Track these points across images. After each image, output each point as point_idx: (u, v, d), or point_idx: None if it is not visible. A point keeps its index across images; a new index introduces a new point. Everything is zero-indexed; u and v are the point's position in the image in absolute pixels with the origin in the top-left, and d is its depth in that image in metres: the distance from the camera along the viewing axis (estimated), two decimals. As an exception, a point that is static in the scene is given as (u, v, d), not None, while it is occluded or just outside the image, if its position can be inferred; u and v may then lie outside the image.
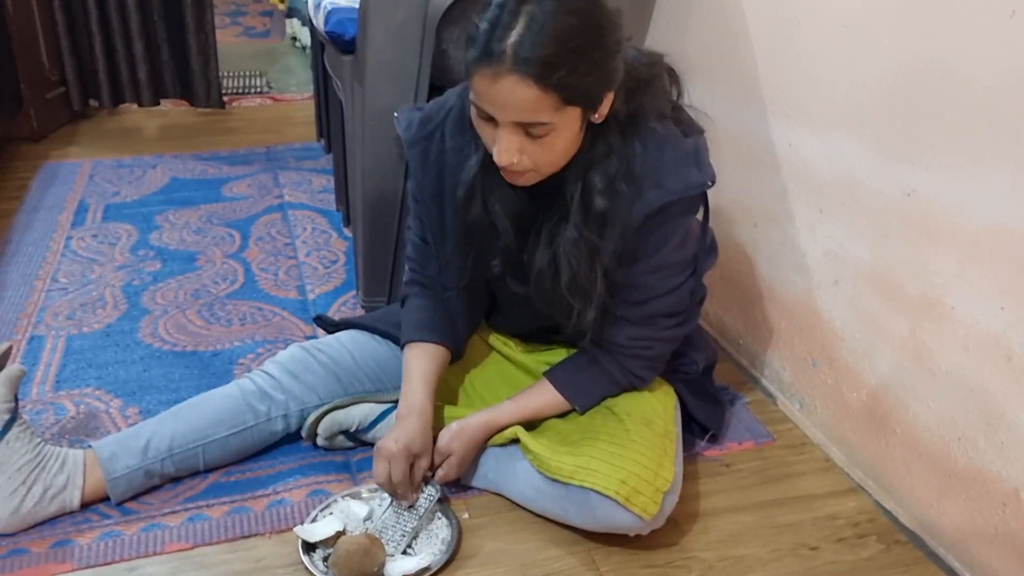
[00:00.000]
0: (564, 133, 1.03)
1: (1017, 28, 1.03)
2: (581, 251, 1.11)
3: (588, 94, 1.02)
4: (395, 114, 1.30)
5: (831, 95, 1.36)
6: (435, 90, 1.58)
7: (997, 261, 1.09)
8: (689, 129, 1.16)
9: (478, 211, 1.17)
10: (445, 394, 1.38)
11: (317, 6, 1.90)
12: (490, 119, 1.03)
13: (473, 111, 1.06)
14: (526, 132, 1.02)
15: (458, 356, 1.37)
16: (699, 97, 1.22)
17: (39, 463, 1.19)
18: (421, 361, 1.28)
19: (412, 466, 1.20)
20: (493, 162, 1.12)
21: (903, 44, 1.20)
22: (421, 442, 1.20)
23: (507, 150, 1.03)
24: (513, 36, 0.96)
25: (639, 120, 1.11)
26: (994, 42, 1.06)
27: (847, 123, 1.33)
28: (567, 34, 0.96)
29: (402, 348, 1.32)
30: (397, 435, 1.20)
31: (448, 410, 1.34)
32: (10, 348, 1.23)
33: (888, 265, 1.28)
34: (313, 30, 2.43)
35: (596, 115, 1.06)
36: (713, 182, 1.14)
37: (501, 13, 0.97)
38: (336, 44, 1.75)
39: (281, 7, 4.72)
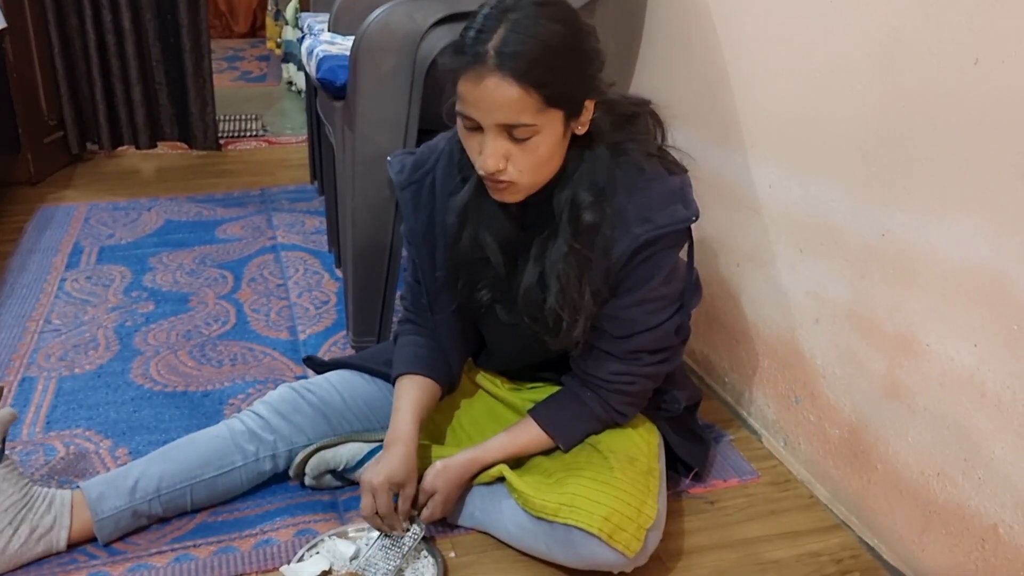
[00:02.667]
0: (548, 137, 1.06)
1: (981, 74, 1.06)
2: (571, 264, 1.14)
3: (569, 96, 1.06)
4: (388, 159, 1.34)
5: (809, 140, 1.40)
6: (424, 135, 1.62)
7: (969, 300, 1.12)
8: (674, 168, 1.20)
9: (468, 241, 1.20)
10: (432, 432, 1.40)
11: (310, 53, 1.95)
12: (476, 128, 1.07)
13: (460, 124, 1.09)
14: (510, 136, 1.05)
15: (451, 390, 1.39)
16: (682, 141, 1.26)
17: (26, 503, 1.20)
18: (410, 392, 1.30)
19: (399, 497, 1.21)
20: (483, 190, 1.16)
21: (876, 91, 1.24)
22: (403, 471, 1.21)
23: (492, 155, 1.06)
24: (495, 39, 1.01)
25: (626, 150, 1.15)
26: (960, 88, 1.10)
27: (824, 166, 1.37)
28: (547, 36, 1.02)
29: (393, 382, 1.33)
30: (381, 466, 1.21)
31: (435, 449, 1.35)
32: (1, 389, 1.25)
33: (866, 304, 1.31)
34: (307, 75, 2.48)
35: (579, 125, 1.10)
36: (697, 217, 1.18)
37: (485, 20, 1.04)
38: (327, 90, 1.79)
39: (277, 52, 4.80)
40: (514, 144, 1.06)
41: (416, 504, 1.25)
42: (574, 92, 1.07)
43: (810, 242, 1.42)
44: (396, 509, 1.22)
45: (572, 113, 1.08)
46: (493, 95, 1.02)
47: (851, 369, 1.35)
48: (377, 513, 1.20)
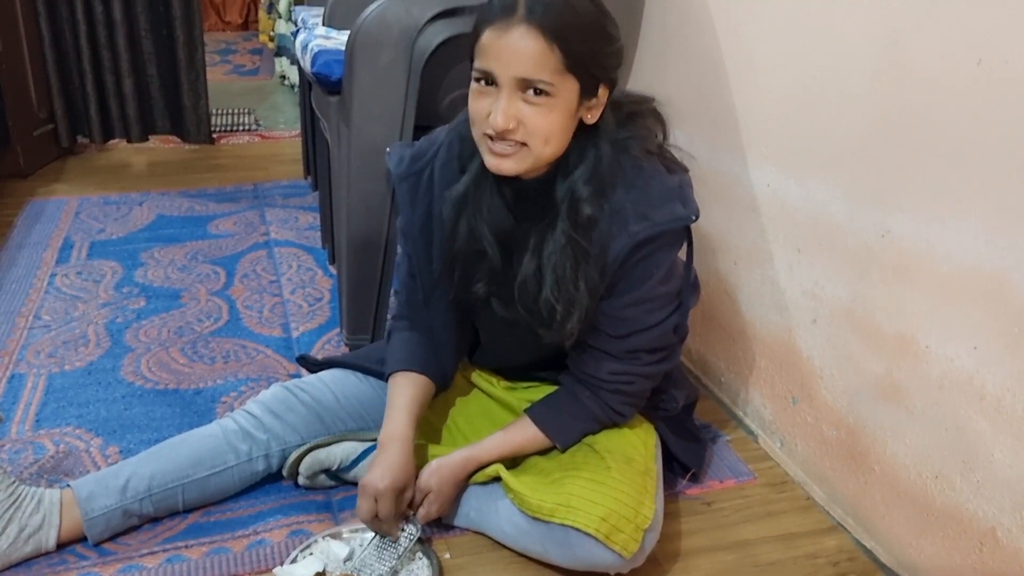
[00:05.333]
0: (561, 105, 1.05)
1: (984, 75, 1.06)
2: (568, 255, 1.13)
3: (588, 68, 1.05)
4: (387, 150, 1.32)
5: (808, 138, 1.39)
6: (420, 130, 1.60)
7: (969, 301, 1.11)
8: (674, 167, 1.19)
9: (464, 233, 1.19)
10: (428, 432, 1.38)
11: (304, 47, 1.93)
12: (489, 86, 1.05)
13: (472, 88, 1.08)
14: (524, 98, 1.04)
15: (445, 387, 1.38)
16: (680, 138, 1.25)
17: (13, 502, 1.19)
18: (404, 390, 1.28)
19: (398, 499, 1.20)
20: (480, 181, 1.16)
21: (876, 90, 1.23)
22: (405, 474, 1.20)
23: (505, 111, 1.04)
24: None
25: (626, 147, 1.14)
26: (963, 89, 1.09)
27: (823, 165, 1.36)
28: (577, 3, 1.04)
29: (386, 379, 1.32)
30: (382, 471, 1.19)
31: (432, 449, 1.34)
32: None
33: (864, 305, 1.30)
34: (301, 69, 2.46)
35: (589, 110, 1.10)
36: (697, 217, 1.17)
37: None
38: (323, 85, 1.78)
39: (271, 46, 4.77)
40: (527, 107, 1.05)
41: (412, 504, 1.24)
42: (593, 66, 1.06)
43: (808, 242, 1.41)
44: None
45: (587, 90, 1.07)
46: (518, 44, 1.02)
47: (849, 370, 1.35)
48: (376, 517, 1.18)
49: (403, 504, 1.21)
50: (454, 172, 1.22)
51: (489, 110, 1.06)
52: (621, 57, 1.11)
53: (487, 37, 1.04)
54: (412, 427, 1.25)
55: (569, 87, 1.05)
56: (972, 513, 1.13)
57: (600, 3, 1.08)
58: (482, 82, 1.06)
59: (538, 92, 1.04)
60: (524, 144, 1.07)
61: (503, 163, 1.09)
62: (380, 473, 1.19)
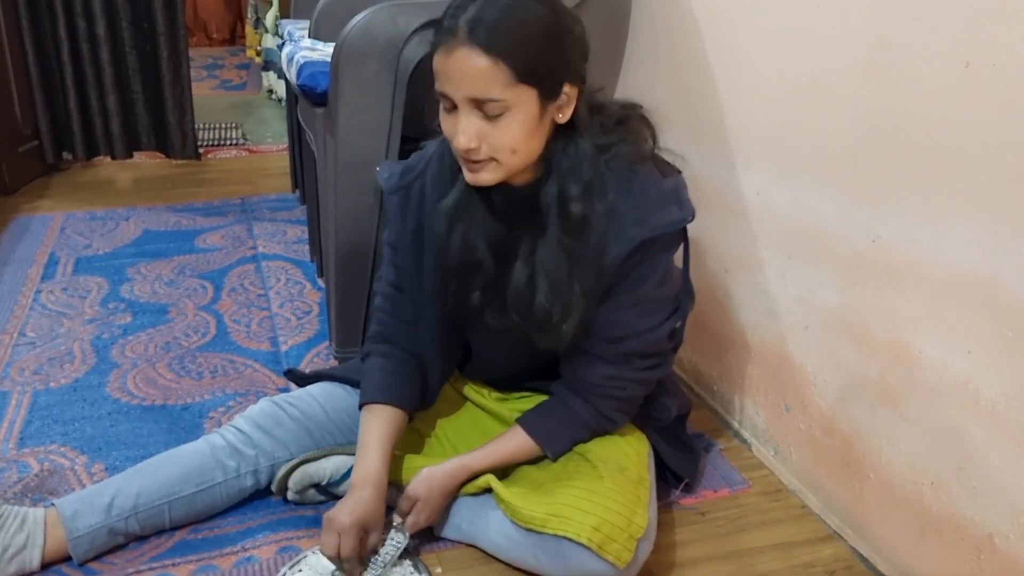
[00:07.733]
0: (520, 115, 1.05)
1: (972, 78, 1.05)
2: (560, 258, 1.12)
3: (541, 74, 1.04)
4: (377, 168, 1.32)
5: (796, 144, 1.39)
6: (407, 141, 1.60)
7: (962, 305, 1.11)
8: (667, 169, 1.19)
9: (457, 244, 1.18)
10: (416, 443, 1.37)
11: (290, 59, 1.92)
12: (452, 108, 1.06)
13: (440, 109, 1.09)
14: (483, 114, 1.04)
15: (426, 407, 1.36)
16: (668, 145, 1.24)
17: (-4, 523, 1.16)
18: (378, 427, 1.25)
19: (362, 540, 1.17)
20: (470, 191, 1.15)
21: (865, 95, 1.23)
22: (375, 516, 1.18)
23: (465, 131, 1.05)
24: (468, 13, 1.02)
25: (617, 152, 1.13)
26: (951, 92, 1.09)
27: (812, 171, 1.36)
28: (521, 11, 1.03)
29: (360, 407, 1.30)
30: (351, 507, 1.16)
31: (414, 459, 1.32)
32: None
33: (857, 310, 1.29)
34: (288, 82, 2.45)
35: (558, 112, 1.09)
36: (693, 217, 1.16)
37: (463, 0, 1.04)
38: (308, 97, 1.77)
39: (258, 60, 4.76)
40: (487, 122, 1.05)
41: (401, 512, 1.22)
42: (548, 71, 1.05)
43: (799, 248, 1.41)
44: None
45: (547, 94, 1.06)
46: (462, 66, 1.02)
47: (842, 376, 1.34)
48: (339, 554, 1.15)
49: (368, 546, 1.18)
50: (446, 184, 1.21)
51: (455, 129, 1.06)
52: (583, 47, 1.10)
53: (437, 60, 1.05)
54: (385, 468, 1.23)
55: (525, 96, 1.04)
56: (969, 520, 1.12)
57: (552, 1, 1.06)
58: (445, 103, 1.07)
59: (493, 108, 1.04)
60: (492, 159, 1.08)
61: (479, 176, 1.10)
62: (347, 509, 1.16)
